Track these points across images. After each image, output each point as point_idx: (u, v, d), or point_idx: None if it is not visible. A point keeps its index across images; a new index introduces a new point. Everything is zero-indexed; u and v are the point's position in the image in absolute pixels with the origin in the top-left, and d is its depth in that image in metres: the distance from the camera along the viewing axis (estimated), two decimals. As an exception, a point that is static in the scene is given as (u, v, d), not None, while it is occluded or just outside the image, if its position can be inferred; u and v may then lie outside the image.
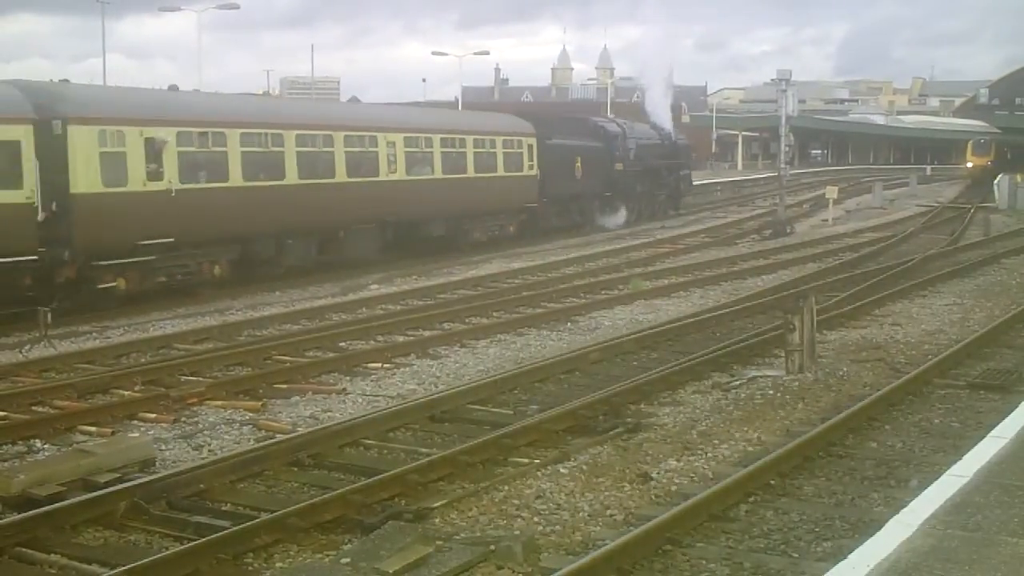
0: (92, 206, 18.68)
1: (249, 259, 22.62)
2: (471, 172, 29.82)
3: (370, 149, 25.90)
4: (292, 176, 23.26)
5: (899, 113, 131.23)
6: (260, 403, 12.54)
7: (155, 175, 19.85)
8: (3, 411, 12.01)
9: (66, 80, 22.50)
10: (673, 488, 9.29)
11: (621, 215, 37.70)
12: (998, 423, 9.45)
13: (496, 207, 31.02)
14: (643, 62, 52.93)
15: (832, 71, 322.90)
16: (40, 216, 17.97)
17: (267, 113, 24.47)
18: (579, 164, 35.05)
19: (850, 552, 6.36)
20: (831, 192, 42.61)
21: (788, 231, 35.02)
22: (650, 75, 48.85)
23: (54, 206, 18.24)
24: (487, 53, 72.38)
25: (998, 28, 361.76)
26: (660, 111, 45.14)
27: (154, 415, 12.04)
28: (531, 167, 32.57)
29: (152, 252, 19.75)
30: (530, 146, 32.61)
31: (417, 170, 27.60)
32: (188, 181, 20.56)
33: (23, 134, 17.69)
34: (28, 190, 17.75)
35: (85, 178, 18.58)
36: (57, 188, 18.25)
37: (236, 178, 21.80)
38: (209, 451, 10.70)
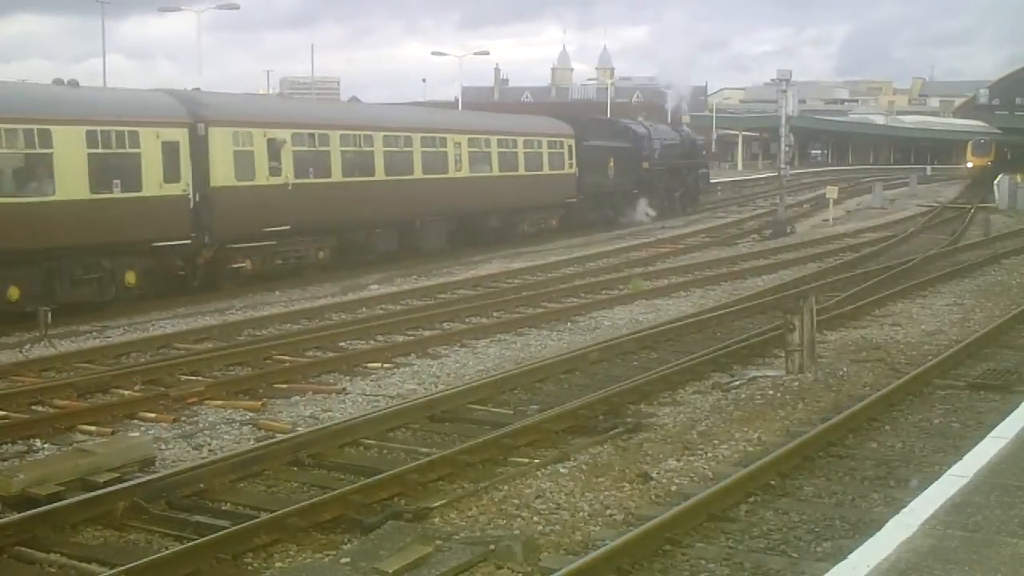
0: (228, 197, 21.51)
1: (345, 246, 25.34)
2: (522, 170, 32.69)
3: (440, 149, 28.89)
4: (380, 172, 26.23)
5: (899, 113, 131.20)
6: (260, 403, 12.54)
7: (275, 171, 22.79)
8: (3, 410, 12.02)
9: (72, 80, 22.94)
10: (673, 488, 9.28)
11: (649, 210, 39.88)
12: (998, 423, 9.45)
13: (542, 202, 33.73)
14: (664, 63, 54.28)
15: (833, 71, 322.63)
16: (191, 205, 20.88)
17: (360, 117, 27.94)
18: (612, 163, 37.69)
19: (850, 552, 6.36)
20: (831, 192, 42.60)
21: (788, 231, 35.03)
22: (670, 76, 49.47)
23: (197, 197, 20.91)
24: (487, 53, 72.48)
25: (998, 28, 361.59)
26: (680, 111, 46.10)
27: (154, 415, 12.04)
28: (571, 166, 35.35)
29: (273, 238, 22.67)
30: (570, 147, 35.32)
31: (478, 168, 30.54)
32: (301, 176, 23.45)
33: (181, 136, 20.67)
34: (184, 183, 20.64)
35: (223, 173, 21.53)
36: (200, 182, 20.98)
37: (337, 174, 24.74)
38: (209, 451, 10.70)
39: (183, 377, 13.88)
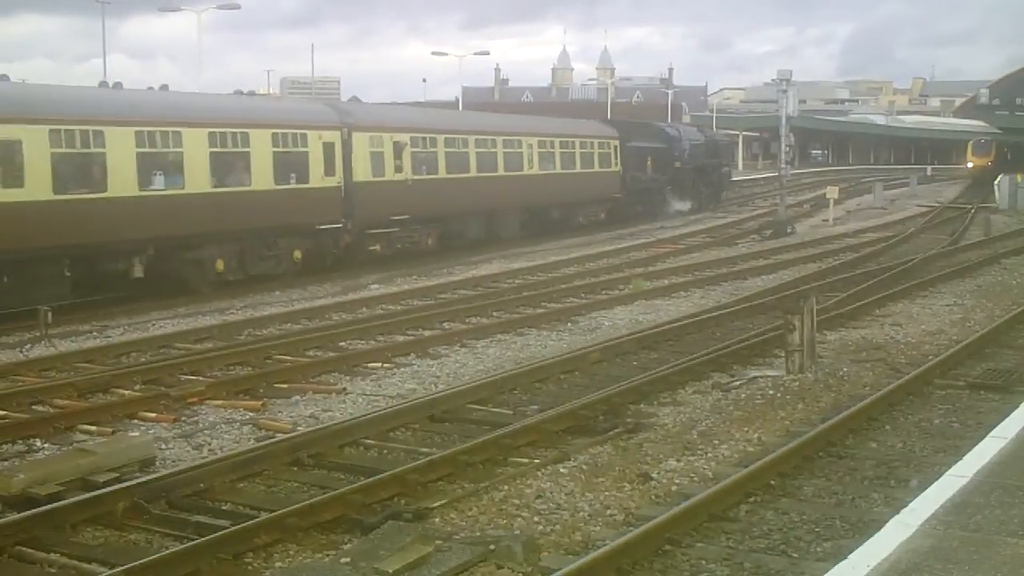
0: (366, 190, 25.81)
1: (447, 234, 29.41)
2: (578, 168, 37.00)
3: (517, 150, 33.29)
4: (473, 170, 30.57)
5: (899, 113, 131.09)
6: (260, 403, 12.54)
7: (399, 169, 27.05)
8: (3, 410, 12.02)
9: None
10: (673, 488, 9.28)
11: (682, 204, 44.06)
12: (998, 423, 9.45)
13: (594, 196, 38.09)
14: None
15: (835, 71, 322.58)
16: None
17: (458, 122, 32.67)
18: (650, 162, 42.02)
19: (850, 552, 6.36)
20: (832, 192, 42.64)
21: (788, 231, 35.04)
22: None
23: (343, 189, 25.16)
24: (487, 53, 72.19)
25: (1001, 28, 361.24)
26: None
27: (154, 414, 12.04)
28: (616, 165, 39.64)
29: (397, 225, 26.92)
30: (615, 148, 39.59)
31: (545, 167, 34.95)
32: (417, 173, 27.77)
33: (337, 138, 25.05)
34: (338, 177, 24.98)
35: (362, 170, 25.81)
36: (345, 177, 25.22)
37: (443, 171, 29.08)
38: (209, 450, 10.70)
39: (183, 377, 13.88)
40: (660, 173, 42.49)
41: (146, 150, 20.19)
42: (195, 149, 21.19)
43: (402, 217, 26.83)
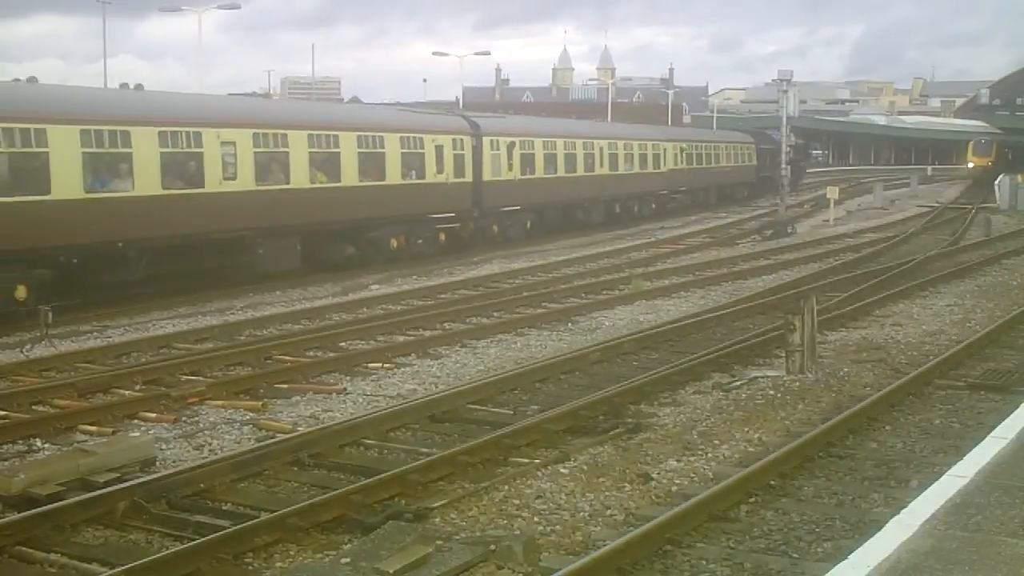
0: (674, 173, 45.62)
1: (693, 200, 48.31)
2: (740, 163, 55.87)
3: (717, 151, 51.95)
4: (703, 163, 50.02)
5: (900, 113, 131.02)
6: (261, 403, 12.53)
7: (677, 162, 45.78)
8: (4, 410, 12.01)
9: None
10: (673, 488, 9.28)
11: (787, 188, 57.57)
12: (999, 424, 9.44)
13: (744, 181, 56.81)
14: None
15: (844, 72, 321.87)
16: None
17: (699, 136, 53.15)
18: (768, 159, 56.95)
19: (850, 553, 6.35)
20: (832, 192, 42.68)
21: (789, 231, 35.06)
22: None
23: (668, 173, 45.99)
24: (488, 53, 71.93)
25: (1012, 29, 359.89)
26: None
27: (155, 414, 12.04)
28: (753, 160, 57.76)
29: (681, 193, 46.49)
30: (753, 149, 57.70)
31: (727, 161, 53.63)
32: (688, 164, 47.42)
33: (668, 146, 44.73)
34: (666, 167, 44.23)
35: (672, 163, 45.57)
36: (667, 166, 46.18)
37: (695, 164, 48.30)
38: (209, 450, 10.69)
39: (184, 377, 13.87)
40: (772, 166, 55.88)
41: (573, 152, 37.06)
42: (627, 152, 41.17)
43: (683, 188, 46.42)
